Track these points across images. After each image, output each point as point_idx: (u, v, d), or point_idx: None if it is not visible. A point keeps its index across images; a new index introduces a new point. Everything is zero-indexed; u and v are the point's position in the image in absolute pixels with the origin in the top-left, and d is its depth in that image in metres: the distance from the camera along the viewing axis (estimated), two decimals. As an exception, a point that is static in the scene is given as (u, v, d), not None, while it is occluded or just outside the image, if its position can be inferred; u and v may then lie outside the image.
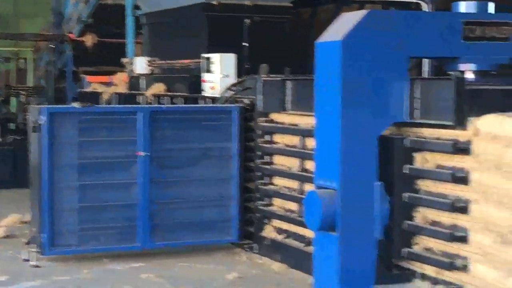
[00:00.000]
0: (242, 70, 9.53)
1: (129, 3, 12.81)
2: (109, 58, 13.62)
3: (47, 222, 7.93)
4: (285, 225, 8.17)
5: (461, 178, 6.14)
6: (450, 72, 6.73)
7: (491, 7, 7.08)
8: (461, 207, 6.14)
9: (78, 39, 14.58)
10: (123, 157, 8.27)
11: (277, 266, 7.98)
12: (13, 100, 15.07)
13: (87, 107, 8.51)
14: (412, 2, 10.27)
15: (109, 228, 8.20)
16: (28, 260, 8.03)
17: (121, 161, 8.25)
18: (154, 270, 7.81)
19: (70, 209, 8.06)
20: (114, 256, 8.18)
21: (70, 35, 14.64)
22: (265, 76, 8.61)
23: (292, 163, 8.10)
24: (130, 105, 10.24)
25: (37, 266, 7.89)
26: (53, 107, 8.83)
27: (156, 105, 9.95)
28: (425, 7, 10.14)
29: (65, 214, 8.04)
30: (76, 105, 9.20)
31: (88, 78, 13.58)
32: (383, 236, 6.51)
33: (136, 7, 12.57)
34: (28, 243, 8.29)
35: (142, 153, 8.20)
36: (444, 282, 6.30)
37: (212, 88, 9.42)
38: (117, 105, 11.05)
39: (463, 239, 6.14)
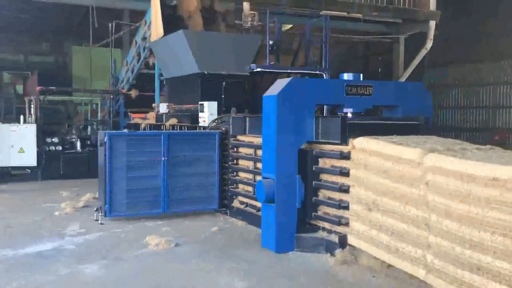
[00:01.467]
0: (220, 111, 9.28)
1: (156, 72, 12.67)
2: (145, 103, 13.34)
3: (108, 198, 7.72)
4: (245, 199, 7.99)
5: (345, 172, 6.07)
6: (339, 113, 6.66)
7: (361, 77, 7.08)
8: (345, 189, 6.08)
9: (127, 92, 14.34)
10: (152, 161, 8.00)
11: (240, 223, 7.80)
12: (89, 128, 14.78)
13: (131, 132, 8.39)
14: (317, 73, 10.07)
15: (144, 201, 7.93)
16: (97, 220, 7.83)
17: (151, 163, 7.98)
18: (169, 225, 7.62)
19: (121, 190, 7.80)
20: (147, 218, 7.97)
21: (122, 90, 14.43)
22: (234, 114, 8.46)
23: (249, 164, 7.93)
24: (156, 131, 10.08)
25: (102, 224, 7.70)
26: (112, 132, 8.54)
27: (171, 131, 9.65)
28: (324, 76, 9.98)
29: (118, 193, 7.79)
30: (125, 131, 9.08)
31: (132, 115, 13.28)
32: (301, 206, 6.41)
33: (161, 75, 12.36)
34: (97, 210, 8.04)
35: (162, 158, 7.99)
36: (335, 232, 6.18)
37: (204, 121, 9.20)
38: (148, 131, 10.70)
39: (346, 208, 6.08)
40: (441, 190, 4.77)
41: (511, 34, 16.62)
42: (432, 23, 14.82)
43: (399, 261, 5.30)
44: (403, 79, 15.42)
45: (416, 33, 15.76)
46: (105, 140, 7.69)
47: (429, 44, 14.81)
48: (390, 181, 5.40)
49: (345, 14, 13.69)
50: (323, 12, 12.70)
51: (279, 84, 6.38)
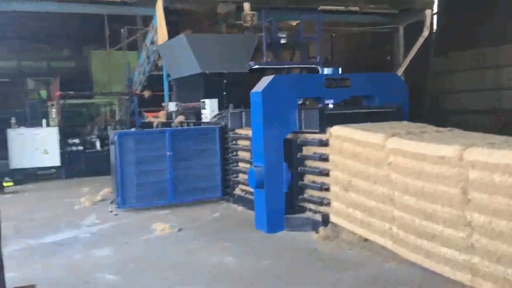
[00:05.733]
0: (221, 107, 9.70)
1: (165, 73, 13.23)
2: (157, 103, 13.84)
3: (121, 191, 8.27)
4: (244, 187, 8.42)
5: (324, 158, 6.54)
6: (319, 104, 7.06)
7: (340, 70, 7.54)
8: (325, 173, 6.56)
9: (140, 93, 14.92)
10: (159, 155, 8.49)
11: (240, 209, 8.30)
12: (108, 127, 15.42)
13: (138, 130, 8.95)
14: (313, 68, 10.43)
15: (153, 193, 8.45)
16: (111, 211, 8.42)
17: (158, 157, 8.47)
18: (175, 213, 8.15)
19: (132, 184, 8.34)
20: (156, 208, 8.47)
21: (136, 91, 15.03)
22: (232, 110, 8.86)
23: (247, 155, 8.38)
24: (161, 129, 10.45)
25: (116, 214, 8.26)
26: (121, 131, 9.03)
27: (175, 128, 10.03)
28: (319, 70, 10.25)
29: (129, 187, 8.32)
30: (133, 129, 9.70)
31: (146, 114, 13.83)
32: (288, 190, 6.90)
33: (168, 75, 12.90)
34: (111, 202, 8.62)
35: (168, 153, 8.49)
36: (319, 212, 6.68)
37: (206, 117, 9.68)
38: (154, 129, 11.05)
39: (327, 189, 6.56)
40: (401, 169, 5.30)
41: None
42: (428, 12, 15.08)
43: (371, 234, 5.85)
44: (403, 68, 15.74)
45: (414, 22, 16.00)
46: (115, 139, 8.28)
47: (426, 32, 15.08)
48: (360, 164, 5.92)
49: (342, 8, 14.08)
50: (321, 8, 13.11)
51: (264, 81, 6.91)
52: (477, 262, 4.48)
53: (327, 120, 6.57)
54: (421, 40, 15.23)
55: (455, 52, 19.50)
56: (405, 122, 6.58)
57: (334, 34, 20.27)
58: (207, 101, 9.69)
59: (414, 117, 7.03)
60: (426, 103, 20.32)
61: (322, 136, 6.59)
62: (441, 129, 5.91)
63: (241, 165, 8.68)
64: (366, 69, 17.77)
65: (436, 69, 21.11)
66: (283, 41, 11.41)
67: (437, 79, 21.05)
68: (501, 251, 4.26)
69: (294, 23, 18.36)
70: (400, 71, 15.40)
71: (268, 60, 10.61)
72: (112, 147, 8.58)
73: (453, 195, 4.66)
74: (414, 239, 5.18)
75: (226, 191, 8.96)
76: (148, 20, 15.70)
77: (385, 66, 19.01)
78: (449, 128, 5.89)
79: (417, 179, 5.08)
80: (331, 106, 7.18)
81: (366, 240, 6.04)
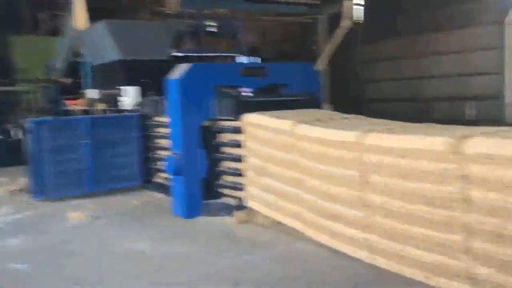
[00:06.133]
0: (142, 95, 9.56)
1: (86, 61, 12.95)
2: (78, 90, 13.49)
3: (37, 181, 8.09)
4: (164, 175, 8.34)
5: (239, 145, 6.71)
6: (234, 93, 7.09)
7: (257, 60, 7.73)
8: (241, 159, 6.73)
9: (61, 80, 14.52)
10: (77, 144, 8.36)
11: (160, 196, 8.33)
12: (29, 116, 14.87)
13: (55, 118, 8.75)
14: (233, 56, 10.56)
15: (71, 182, 8.31)
16: (27, 202, 8.21)
17: (76, 146, 8.34)
18: (94, 202, 8.09)
19: (49, 173, 8.16)
20: (74, 197, 8.34)
21: (57, 78, 14.61)
22: (152, 97, 8.83)
23: (166, 143, 8.30)
24: (78, 116, 10.31)
25: (31, 204, 8.08)
26: (37, 119, 8.72)
27: (93, 115, 9.91)
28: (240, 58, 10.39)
29: (46, 176, 8.13)
30: (48, 117, 9.45)
31: (67, 101, 13.44)
32: (206, 176, 7.02)
33: (90, 62, 12.63)
34: (27, 192, 8.43)
35: (86, 141, 8.37)
36: (235, 197, 6.89)
37: (127, 105, 9.58)
38: (71, 117, 10.82)
39: (242, 175, 6.75)
40: (308, 154, 5.56)
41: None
42: (348, 3, 15.50)
43: (283, 217, 6.10)
44: (325, 57, 16.16)
45: (337, 12, 16.43)
46: (31, 127, 8.07)
47: (345, 22, 15.49)
48: (272, 149, 6.14)
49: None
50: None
51: (181, 69, 6.98)
52: (374, 240, 4.81)
53: (243, 107, 6.72)
54: (341, 31, 15.66)
55: (378, 42, 20.36)
56: (315, 110, 6.87)
57: (262, 24, 20.53)
58: (127, 88, 9.60)
59: (339, 106, 7.30)
60: (350, 92, 21.05)
61: (237, 124, 6.74)
62: (348, 116, 6.23)
63: (161, 152, 8.67)
64: (295, 58, 18.14)
65: (360, 58, 21.92)
66: (211, 29, 11.45)
67: (361, 68, 21.86)
68: (394, 229, 4.60)
69: (224, 11, 18.47)
70: (322, 61, 15.80)
71: (191, 48, 10.61)
72: (28, 136, 8.34)
73: (353, 178, 4.96)
74: (320, 220, 5.47)
75: (147, 179, 8.94)
76: (70, 5, 15.28)
77: (312, 55, 19.49)
78: (355, 115, 6.21)
79: (322, 163, 5.35)
80: (248, 94, 7.31)
81: (279, 223, 6.28)
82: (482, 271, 3.90)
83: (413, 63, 19.53)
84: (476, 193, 3.84)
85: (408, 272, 4.47)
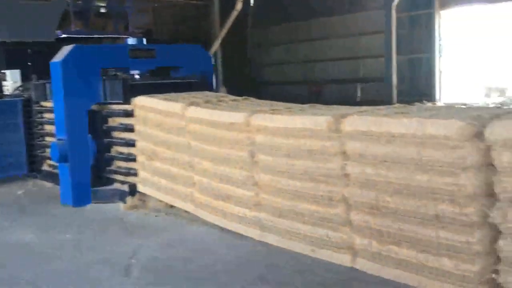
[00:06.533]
0: (26, 79, 9.00)
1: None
2: None
3: None
4: (51, 163, 8.05)
5: (130, 129, 6.56)
6: (122, 75, 6.82)
7: (145, 41, 7.57)
8: (131, 144, 6.58)
9: None
10: None
11: (49, 185, 7.99)
12: None
13: None
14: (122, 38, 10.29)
15: None
16: None
17: None
18: None
19: None
20: None
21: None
22: (35, 81, 8.31)
23: (52, 129, 7.94)
24: None
25: None
26: None
27: None
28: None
29: None
30: None
31: None
32: (95, 162, 6.84)
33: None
34: None
35: None
36: (127, 182, 6.73)
37: (8, 89, 9.02)
38: None
39: (134, 160, 6.61)
40: (198, 136, 5.56)
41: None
42: (240, -15, 15.67)
43: (176, 200, 6.08)
44: (219, 40, 16.23)
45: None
46: None
47: (239, 5, 15.65)
48: (163, 133, 6.07)
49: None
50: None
51: (64, 51, 6.65)
52: (264, 217, 4.93)
53: (132, 90, 6.55)
54: (234, 14, 15.78)
55: (273, 26, 20.78)
56: (206, 92, 6.86)
57: (156, 5, 20.12)
58: (8, 72, 8.99)
59: (236, 89, 7.31)
60: (249, 75, 21.35)
61: (127, 107, 6.58)
62: (237, 98, 6.30)
63: (48, 139, 8.25)
64: (189, 41, 17.98)
65: (256, 41, 22.25)
66: (100, 10, 11.02)
67: (257, 51, 22.22)
68: (282, 206, 4.75)
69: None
70: (216, 43, 15.85)
71: (78, 29, 10.15)
72: None
73: (243, 158, 5.05)
74: (212, 201, 5.51)
75: (33, 167, 8.51)
76: None
77: (207, 38, 19.44)
78: (244, 97, 6.29)
79: (212, 144, 5.38)
80: (137, 77, 7.16)
81: (172, 206, 6.25)
82: (361, 241, 4.14)
83: (305, 46, 20.27)
84: (353, 168, 4.06)
85: (297, 247, 4.64)
